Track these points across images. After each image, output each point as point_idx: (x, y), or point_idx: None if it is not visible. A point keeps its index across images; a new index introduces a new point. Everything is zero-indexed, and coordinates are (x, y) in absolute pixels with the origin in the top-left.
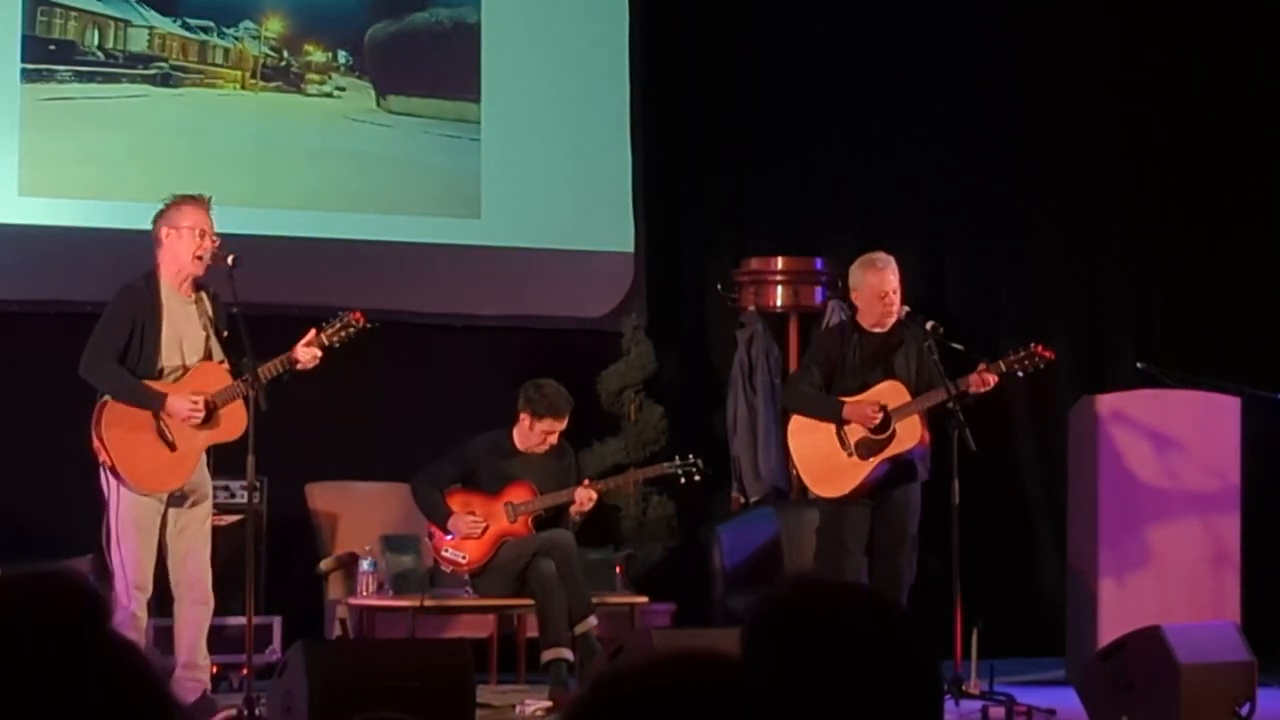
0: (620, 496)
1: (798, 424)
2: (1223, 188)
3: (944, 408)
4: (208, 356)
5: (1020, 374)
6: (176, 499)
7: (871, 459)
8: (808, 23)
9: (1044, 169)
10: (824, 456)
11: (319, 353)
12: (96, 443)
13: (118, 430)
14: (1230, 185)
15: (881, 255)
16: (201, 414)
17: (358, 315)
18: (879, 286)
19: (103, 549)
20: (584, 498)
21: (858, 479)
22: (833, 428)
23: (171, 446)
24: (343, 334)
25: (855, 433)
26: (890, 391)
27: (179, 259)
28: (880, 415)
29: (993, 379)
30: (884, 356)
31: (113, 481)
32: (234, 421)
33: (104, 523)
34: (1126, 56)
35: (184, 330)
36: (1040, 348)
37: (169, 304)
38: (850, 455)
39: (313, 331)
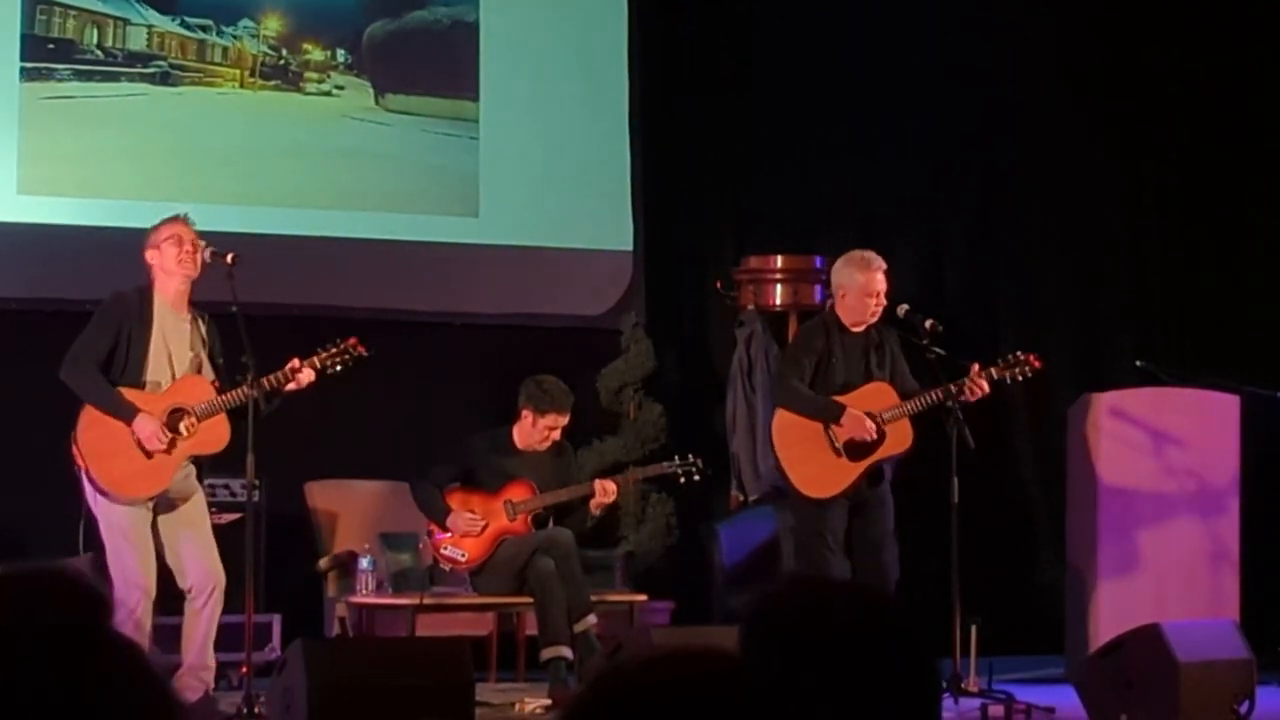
0: (620, 495)
1: (784, 420)
2: (1223, 186)
3: (942, 407)
4: (197, 374)
5: (1009, 382)
6: (165, 505)
7: (861, 461)
8: (807, 21)
9: (1043, 168)
10: (811, 455)
11: (313, 375)
12: (74, 449)
13: (93, 435)
14: (1230, 183)
15: (873, 255)
16: (164, 447)
17: (354, 341)
18: (869, 286)
19: (102, 551)
20: (607, 489)
21: (847, 480)
22: (820, 426)
23: (148, 455)
24: (338, 359)
25: (844, 433)
26: (878, 393)
27: (169, 270)
28: (877, 433)
29: (986, 386)
30: (866, 357)
31: (90, 488)
32: (214, 435)
33: (97, 530)
34: (1126, 56)
35: (174, 346)
36: (1030, 356)
37: (161, 318)
38: (839, 456)
39: (296, 360)
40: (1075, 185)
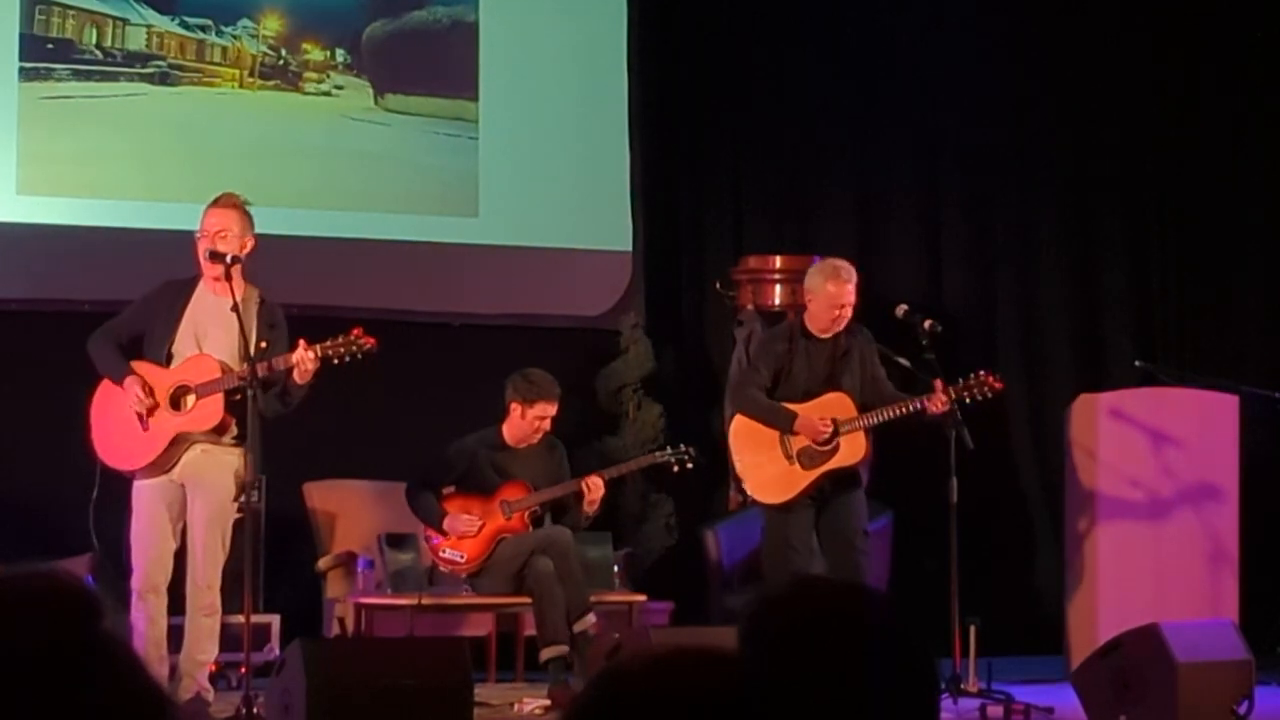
0: (610, 484)
1: (740, 425)
2: (1223, 186)
3: (901, 420)
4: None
5: (968, 402)
6: (192, 488)
7: (813, 470)
8: (806, 21)
9: (1043, 166)
10: (765, 462)
11: (313, 357)
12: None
13: (103, 404)
14: (1230, 183)
15: (845, 266)
16: (142, 407)
17: (359, 332)
18: (837, 298)
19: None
20: (593, 485)
21: (798, 488)
22: (776, 433)
23: (143, 427)
24: (343, 350)
25: (798, 441)
26: (837, 404)
27: (200, 262)
28: (830, 429)
29: (945, 401)
30: (830, 365)
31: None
32: (204, 413)
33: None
34: (1127, 55)
35: (207, 325)
36: (989, 376)
37: (198, 298)
38: (792, 464)
39: (301, 340)
40: (1075, 183)
